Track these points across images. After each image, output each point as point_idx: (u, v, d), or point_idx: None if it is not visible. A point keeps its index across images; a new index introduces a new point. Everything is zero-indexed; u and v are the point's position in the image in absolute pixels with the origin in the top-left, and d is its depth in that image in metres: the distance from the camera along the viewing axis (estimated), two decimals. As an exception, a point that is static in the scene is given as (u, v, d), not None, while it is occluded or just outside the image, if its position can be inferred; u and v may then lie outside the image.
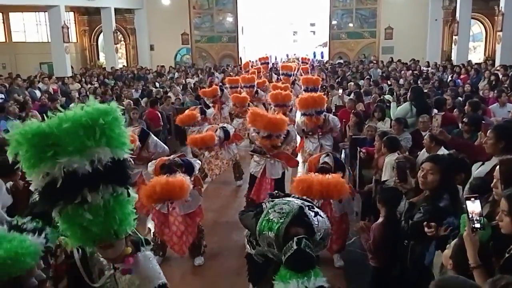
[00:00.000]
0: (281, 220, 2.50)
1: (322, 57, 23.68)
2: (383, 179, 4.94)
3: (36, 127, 1.65)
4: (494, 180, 2.60)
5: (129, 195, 1.83)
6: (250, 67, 14.74)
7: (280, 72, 13.44)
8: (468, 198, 2.21)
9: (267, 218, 2.58)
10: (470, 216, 2.18)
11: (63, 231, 1.89)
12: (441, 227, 2.73)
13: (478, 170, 3.72)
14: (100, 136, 1.67)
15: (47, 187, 1.69)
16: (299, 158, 7.75)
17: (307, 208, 2.61)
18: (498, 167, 2.62)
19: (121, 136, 1.77)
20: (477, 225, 2.16)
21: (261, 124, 5.36)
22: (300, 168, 7.62)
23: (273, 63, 20.97)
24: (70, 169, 1.66)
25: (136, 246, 2.14)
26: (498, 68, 13.54)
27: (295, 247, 2.31)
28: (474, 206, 2.19)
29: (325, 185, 3.93)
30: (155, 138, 6.08)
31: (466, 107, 6.61)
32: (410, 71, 14.86)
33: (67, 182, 1.67)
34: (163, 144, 6.11)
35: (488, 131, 3.61)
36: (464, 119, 5.43)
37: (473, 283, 1.77)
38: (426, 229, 2.74)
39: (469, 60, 16.23)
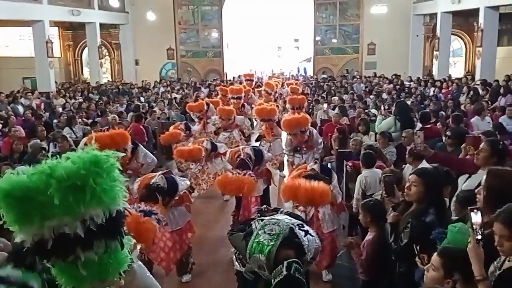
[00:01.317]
0: (271, 243, 2.48)
1: (305, 72, 23.93)
2: (355, 194, 5.01)
3: (22, 184, 1.49)
4: (479, 187, 2.66)
5: (122, 246, 1.72)
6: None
7: (263, 89, 13.47)
8: (472, 210, 2.20)
9: (257, 240, 2.55)
10: (474, 227, 2.16)
11: (55, 276, 1.74)
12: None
13: (465, 183, 3.78)
14: (91, 197, 1.53)
15: (36, 245, 1.56)
16: (285, 172, 7.79)
17: (297, 227, 2.59)
18: (485, 175, 2.69)
19: (115, 188, 1.61)
20: (479, 237, 2.15)
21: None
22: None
23: (258, 78, 21.09)
24: (61, 231, 1.54)
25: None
26: (477, 82, 13.86)
27: (285, 272, 2.29)
28: (477, 218, 2.18)
29: (310, 191, 3.99)
30: (144, 149, 6.05)
31: (449, 120, 6.74)
32: (392, 85, 15.12)
33: (58, 242, 1.55)
34: (151, 155, 6.07)
35: (483, 144, 3.65)
36: (447, 133, 5.52)
37: None
38: (417, 260, 2.76)
39: (449, 75, 16.59)
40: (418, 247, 2.73)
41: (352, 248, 3.59)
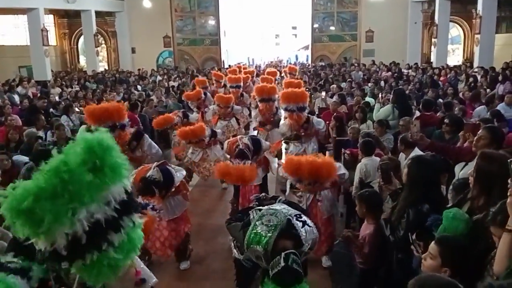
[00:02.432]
0: (269, 234, 2.48)
1: (297, 59, 23.90)
2: (355, 181, 5.01)
3: (38, 187, 1.44)
4: (468, 171, 2.67)
5: (134, 223, 1.70)
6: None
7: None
8: None
9: (254, 231, 2.55)
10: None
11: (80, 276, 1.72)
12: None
13: (462, 171, 3.78)
14: (105, 171, 1.52)
15: (71, 244, 1.52)
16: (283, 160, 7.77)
17: (294, 218, 2.59)
18: (477, 157, 2.69)
19: (123, 163, 1.61)
20: None
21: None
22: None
23: (256, 66, 21.02)
24: (93, 220, 1.52)
25: None
26: (476, 70, 13.82)
27: (282, 263, 2.30)
28: None
29: (315, 165, 3.97)
30: (150, 139, 6.02)
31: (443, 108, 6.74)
32: (390, 73, 15.07)
33: (91, 234, 1.53)
34: (156, 146, 6.04)
35: (482, 131, 3.63)
36: (445, 120, 5.51)
37: (449, 279, 1.79)
38: (413, 248, 2.77)
39: (446, 64, 16.54)
40: (413, 235, 2.74)
41: (350, 241, 3.60)
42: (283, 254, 2.33)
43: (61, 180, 1.46)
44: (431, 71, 14.64)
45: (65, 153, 1.51)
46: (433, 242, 2.31)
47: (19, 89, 12.95)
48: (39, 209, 1.43)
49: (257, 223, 2.59)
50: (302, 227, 2.55)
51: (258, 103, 7.81)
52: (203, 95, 9.82)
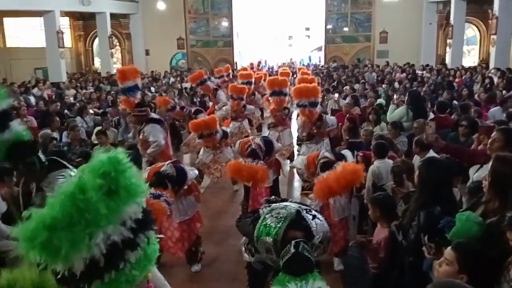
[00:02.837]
0: (278, 225, 2.47)
1: (310, 60, 23.86)
2: (367, 183, 4.96)
3: (53, 218, 1.41)
4: (486, 173, 2.62)
5: (149, 242, 1.66)
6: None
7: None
8: None
9: (264, 223, 2.55)
10: None
11: None
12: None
13: (476, 173, 3.72)
14: (120, 193, 1.50)
15: (88, 268, 1.50)
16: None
17: (304, 211, 2.58)
18: (492, 160, 2.64)
19: (137, 181, 1.58)
20: None
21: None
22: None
23: (269, 68, 21.01)
24: (109, 242, 1.50)
25: None
26: (492, 71, 13.62)
27: (292, 250, 2.27)
28: None
29: (343, 178, 3.94)
30: (156, 127, 6.14)
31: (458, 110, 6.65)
32: (405, 74, 14.92)
33: (109, 255, 1.51)
34: (159, 136, 6.09)
35: (496, 133, 3.57)
36: (463, 122, 5.43)
37: (467, 286, 1.75)
38: (424, 250, 2.73)
39: (462, 65, 16.33)
40: (426, 237, 2.69)
41: (364, 247, 3.55)
42: (293, 242, 2.29)
43: (77, 208, 1.43)
44: (446, 72, 14.47)
45: (79, 177, 1.49)
46: (449, 248, 2.26)
47: (35, 90, 13.13)
48: (56, 240, 1.41)
49: (266, 216, 2.58)
50: (312, 219, 2.53)
51: (269, 97, 7.75)
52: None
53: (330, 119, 6.85)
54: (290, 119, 8.13)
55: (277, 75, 13.03)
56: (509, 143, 3.43)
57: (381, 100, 9.28)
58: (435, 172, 3.01)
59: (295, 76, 14.85)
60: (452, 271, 2.17)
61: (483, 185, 2.70)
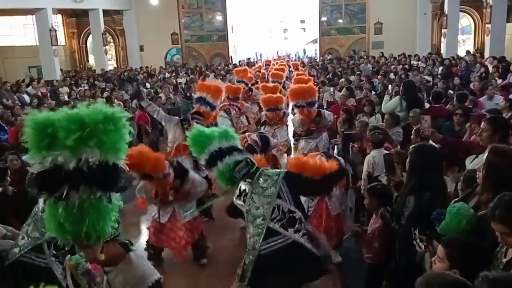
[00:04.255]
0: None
1: (304, 53, 23.82)
2: (363, 173, 4.97)
3: (45, 116, 1.73)
4: (478, 164, 2.62)
5: (110, 201, 1.77)
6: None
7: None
8: None
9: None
10: None
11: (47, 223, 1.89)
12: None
13: (472, 163, 3.72)
14: (90, 138, 1.68)
15: (38, 175, 1.73)
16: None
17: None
18: (487, 152, 2.63)
19: (117, 142, 1.75)
20: None
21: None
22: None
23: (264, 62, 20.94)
24: (57, 163, 1.68)
25: (125, 248, 2.12)
26: (488, 59, 13.61)
27: None
28: None
29: (321, 169, 3.82)
30: (194, 175, 5.08)
31: (454, 99, 6.64)
32: (401, 66, 14.90)
33: (52, 174, 1.70)
34: (202, 180, 5.06)
35: (483, 123, 3.57)
36: (457, 111, 5.43)
37: (457, 277, 1.75)
38: (415, 244, 2.74)
39: (457, 55, 16.32)
40: (416, 230, 2.69)
41: (359, 236, 3.55)
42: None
43: (60, 119, 1.71)
44: (447, 61, 14.39)
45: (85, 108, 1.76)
46: (440, 245, 2.26)
47: (29, 89, 13.06)
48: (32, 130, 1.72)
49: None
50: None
51: (265, 112, 7.72)
52: None
53: (329, 114, 6.83)
54: (286, 116, 8.04)
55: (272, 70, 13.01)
56: (496, 132, 3.43)
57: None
58: (423, 157, 3.04)
59: (290, 69, 14.80)
60: (444, 267, 2.16)
61: (477, 177, 2.70)
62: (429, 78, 11.52)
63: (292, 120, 7.20)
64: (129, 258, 2.07)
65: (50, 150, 1.70)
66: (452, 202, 2.63)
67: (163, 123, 6.00)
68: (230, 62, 20.91)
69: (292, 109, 7.95)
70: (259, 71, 13.58)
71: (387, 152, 4.45)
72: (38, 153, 1.72)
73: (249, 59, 21.73)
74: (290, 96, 6.60)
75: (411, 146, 3.37)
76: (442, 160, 3.33)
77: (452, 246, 2.21)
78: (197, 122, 5.91)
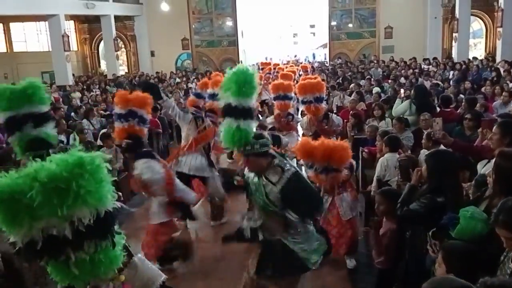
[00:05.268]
0: None
1: (314, 57, 23.82)
2: (376, 175, 4.93)
3: (7, 187, 1.52)
4: (490, 169, 2.60)
5: (114, 245, 1.76)
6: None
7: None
8: None
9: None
10: None
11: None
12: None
13: (484, 168, 3.70)
14: (75, 199, 1.56)
15: (27, 246, 1.60)
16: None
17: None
18: (496, 156, 2.62)
19: (102, 189, 1.63)
20: None
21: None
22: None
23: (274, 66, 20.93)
24: (49, 233, 1.58)
25: (128, 252, 2.13)
26: (501, 63, 13.49)
27: None
28: None
29: (328, 147, 3.91)
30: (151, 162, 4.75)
31: (463, 104, 6.59)
32: (411, 70, 14.83)
33: (48, 243, 1.59)
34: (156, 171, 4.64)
35: (494, 127, 3.57)
36: (467, 116, 5.39)
37: (463, 282, 1.74)
38: (429, 248, 2.73)
39: (468, 59, 16.20)
40: (430, 234, 2.68)
41: (375, 229, 3.50)
42: None
43: (25, 187, 1.53)
44: (458, 66, 14.28)
45: (40, 165, 1.57)
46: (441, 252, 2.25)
47: (42, 94, 13.21)
48: (1, 205, 1.53)
49: None
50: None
51: (274, 102, 7.67)
52: None
53: (337, 118, 6.81)
54: (296, 122, 7.94)
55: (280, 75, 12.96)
56: (506, 135, 3.42)
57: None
58: (441, 162, 3.04)
59: (300, 73, 14.79)
60: (441, 272, 2.15)
61: (488, 181, 2.68)
62: (440, 83, 11.46)
63: (300, 123, 7.18)
64: (134, 263, 2.08)
65: (31, 223, 1.55)
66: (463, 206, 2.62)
67: (177, 119, 5.86)
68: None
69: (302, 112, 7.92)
70: (269, 73, 13.63)
71: (401, 158, 4.39)
72: (15, 229, 1.56)
73: (258, 63, 21.72)
74: (298, 90, 6.58)
75: (428, 152, 3.36)
76: (459, 165, 3.33)
77: (448, 250, 2.20)
78: (210, 120, 5.97)
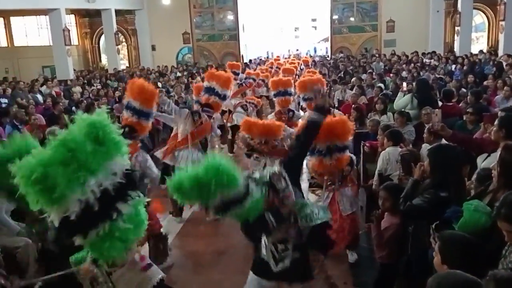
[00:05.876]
0: None
1: (315, 52, 23.76)
2: (377, 169, 4.92)
3: (48, 155, 1.55)
4: (494, 162, 2.60)
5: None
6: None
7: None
8: None
9: None
10: None
11: (92, 253, 1.84)
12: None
13: (484, 162, 3.69)
14: (107, 143, 1.65)
15: (82, 214, 1.62)
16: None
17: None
18: (500, 150, 2.61)
19: (122, 140, 1.73)
20: None
21: (256, 131, 4.92)
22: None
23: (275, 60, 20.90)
24: (102, 189, 1.62)
25: None
26: (503, 57, 13.43)
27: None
28: None
29: (328, 124, 3.81)
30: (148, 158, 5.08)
31: (468, 97, 6.56)
32: (413, 64, 14.78)
33: (102, 202, 1.63)
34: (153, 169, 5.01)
35: (496, 121, 3.57)
36: (468, 109, 5.38)
37: (468, 276, 1.73)
38: (432, 241, 2.73)
39: (471, 53, 16.13)
40: (433, 226, 2.67)
41: (378, 220, 3.49)
42: None
43: (68, 149, 1.56)
44: (471, 60, 14.21)
45: (69, 128, 1.63)
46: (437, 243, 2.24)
47: (43, 88, 13.22)
48: (51, 175, 1.53)
49: None
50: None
51: (274, 99, 7.67)
52: None
53: (338, 113, 6.79)
54: (297, 118, 7.91)
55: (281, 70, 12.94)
56: (501, 127, 3.44)
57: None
58: (444, 158, 3.04)
59: (302, 68, 14.76)
60: (437, 261, 2.14)
61: (492, 175, 2.68)
62: (443, 77, 11.42)
63: (301, 120, 7.16)
64: (133, 258, 2.08)
65: (83, 184, 1.60)
66: (467, 200, 2.61)
67: (173, 115, 5.91)
68: (241, 61, 20.92)
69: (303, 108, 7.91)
70: (271, 67, 13.61)
71: (403, 152, 4.37)
72: (68, 196, 1.59)
73: (260, 57, 21.79)
74: (298, 88, 6.55)
75: (431, 147, 3.35)
76: (462, 159, 3.32)
77: (444, 240, 2.19)
78: (207, 115, 5.95)
